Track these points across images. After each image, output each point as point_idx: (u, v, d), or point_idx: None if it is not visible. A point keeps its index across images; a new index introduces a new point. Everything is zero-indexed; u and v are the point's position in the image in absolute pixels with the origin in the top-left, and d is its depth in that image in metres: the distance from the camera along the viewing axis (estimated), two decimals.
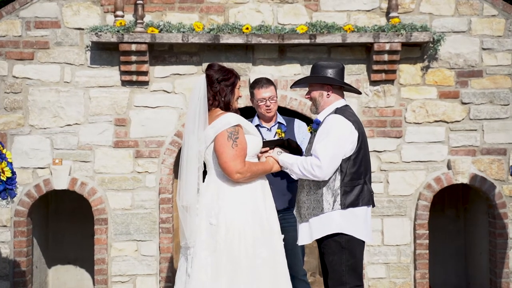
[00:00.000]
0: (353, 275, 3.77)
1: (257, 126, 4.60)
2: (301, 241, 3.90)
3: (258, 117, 4.67)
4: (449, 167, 5.93)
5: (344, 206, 3.74)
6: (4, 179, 4.01)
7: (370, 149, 5.85)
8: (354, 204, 3.76)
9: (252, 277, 3.59)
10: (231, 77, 3.81)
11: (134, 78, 5.82)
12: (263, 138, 4.40)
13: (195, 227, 3.65)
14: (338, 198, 3.74)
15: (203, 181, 3.77)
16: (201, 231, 3.65)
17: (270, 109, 4.56)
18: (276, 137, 4.56)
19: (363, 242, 3.85)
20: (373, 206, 3.96)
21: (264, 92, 4.54)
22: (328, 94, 3.93)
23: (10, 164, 4.09)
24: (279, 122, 4.68)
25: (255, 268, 3.61)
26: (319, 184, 3.78)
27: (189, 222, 3.64)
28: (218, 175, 3.73)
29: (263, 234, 3.69)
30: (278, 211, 4.34)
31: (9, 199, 4.07)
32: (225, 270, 3.58)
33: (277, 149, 4.00)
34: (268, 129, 4.64)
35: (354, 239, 3.78)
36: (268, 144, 4.12)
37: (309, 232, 3.82)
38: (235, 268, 3.58)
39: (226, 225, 3.62)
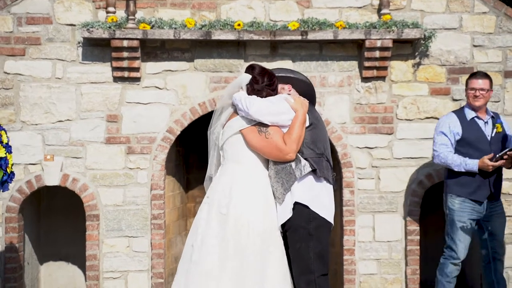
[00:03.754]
0: (320, 263, 3.78)
1: (473, 118, 5.06)
2: (289, 212, 3.84)
3: (470, 109, 5.11)
4: None
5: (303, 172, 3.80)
6: (9, 172, 4.07)
7: (361, 146, 5.98)
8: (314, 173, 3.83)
9: (258, 270, 3.64)
10: (275, 82, 3.98)
11: (126, 74, 5.82)
12: (480, 131, 5.01)
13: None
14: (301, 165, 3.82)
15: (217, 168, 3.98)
16: (212, 219, 3.74)
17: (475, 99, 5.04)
18: (495, 131, 5.03)
19: (330, 227, 3.86)
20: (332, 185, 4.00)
21: (475, 83, 5.06)
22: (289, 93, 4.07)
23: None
24: (492, 117, 5.10)
25: (261, 261, 3.66)
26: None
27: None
28: (234, 166, 3.83)
29: (272, 229, 3.76)
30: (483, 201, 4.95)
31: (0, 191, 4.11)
32: (231, 261, 3.64)
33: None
34: (485, 121, 5.07)
35: (322, 225, 3.79)
36: (499, 159, 4.82)
37: (292, 198, 3.84)
38: (241, 259, 3.64)
39: (235, 216, 3.69)
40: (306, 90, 4.11)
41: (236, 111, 3.91)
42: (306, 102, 3.95)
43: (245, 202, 3.73)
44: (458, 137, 5.04)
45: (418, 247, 5.94)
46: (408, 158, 5.97)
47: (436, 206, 6.60)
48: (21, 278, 5.84)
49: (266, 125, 3.83)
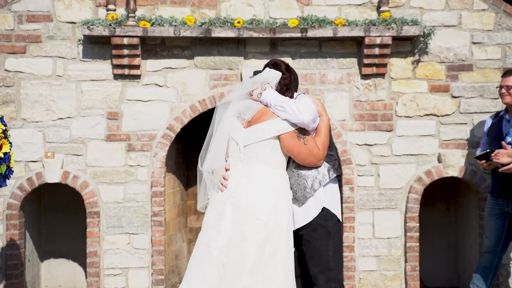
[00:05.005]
0: (337, 260, 3.88)
1: (500, 116, 5.27)
2: (313, 214, 3.89)
3: (505, 108, 5.31)
4: (439, 160, 5.97)
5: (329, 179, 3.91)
6: (11, 166, 4.12)
7: (361, 143, 6.00)
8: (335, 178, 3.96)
9: (283, 272, 3.68)
10: (296, 80, 4.02)
11: (126, 71, 5.84)
12: (499, 130, 5.15)
13: (213, 186, 3.82)
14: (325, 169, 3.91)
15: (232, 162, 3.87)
16: (244, 223, 3.68)
17: (503, 96, 5.23)
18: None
19: (340, 225, 3.98)
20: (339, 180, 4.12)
21: (501, 81, 5.27)
22: None
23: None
24: None
25: (287, 262, 3.71)
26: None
27: (215, 181, 3.81)
28: (262, 168, 3.79)
29: (291, 232, 3.81)
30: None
31: None
32: (264, 264, 3.64)
33: (258, 90, 3.88)
34: (508, 120, 5.19)
35: (336, 224, 3.90)
36: (480, 158, 5.08)
37: (318, 203, 3.87)
38: (274, 263, 3.66)
39: (273, 221, 3.70)
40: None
41: (268, 110, 3.81)
42: (324, 106, 4.01)
43: (280, 208, 3.74)
44: (485, 137, 5.41)
45: (418, 244, 5.95)
46: (407, 155, 5.99)
47: (435, 202, 6.65)
48: (22, 275, 5.87)
49: (303, 130, 3.82)
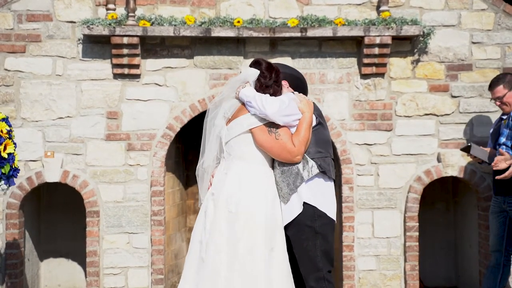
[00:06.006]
0: (326, 260, 3.85)
1: (500, 118, 5.35)
2: (296, 211, 3.88)
3: None
4: (439, 160, 5.97)
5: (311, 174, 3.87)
6: (16, 166, 4.13)
7: (360, 142, 5.99)
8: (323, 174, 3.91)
9: (265, 268, 3.67)
10: (280, 77, 4.00)
11: (126, 71, 5.84)
12: (497, 130, 5.20)
13: (207, 185, 3.94)
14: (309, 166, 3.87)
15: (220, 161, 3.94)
16: (219, 217, 3.73)
17: (501, 107, 5.31)
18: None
19: (333, 224, 3.93)
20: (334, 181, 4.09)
21: (491, 94, 5.36)
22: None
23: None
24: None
25: (268, 258, 3.70)
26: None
27: (206, 180, 3.93)
28: (241, 164, 3.83)
29: (277, 229, 3.80)
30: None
31: (5, 186, 4.16)
32: (241, 260, 3.65)
33: (239, 88, 3.96)
34: (504, 119, 5.25)
35: (326, 223, 3.85)
36: (463, 150, 5.30)
37: (300, 199, 3.87)
38: (250, 259, 3.66)
39: (245, 215, 3.71)
40: (298, 84, 4.16)
41: (244, 106, 3.88)
42: (311, 102, 3.99)
43: (254, 201, 3.75)
44: (490, 137, 5.45)
45: (417, 243, 5.95)
46: (407, 154, 5.99)
47: (435, 202, 6.65)
48: (22, 274, 5.87)
49: (276, 125, 3.83)
